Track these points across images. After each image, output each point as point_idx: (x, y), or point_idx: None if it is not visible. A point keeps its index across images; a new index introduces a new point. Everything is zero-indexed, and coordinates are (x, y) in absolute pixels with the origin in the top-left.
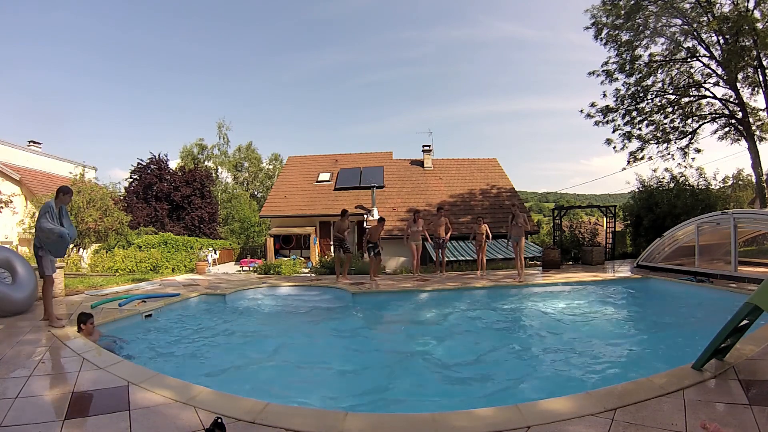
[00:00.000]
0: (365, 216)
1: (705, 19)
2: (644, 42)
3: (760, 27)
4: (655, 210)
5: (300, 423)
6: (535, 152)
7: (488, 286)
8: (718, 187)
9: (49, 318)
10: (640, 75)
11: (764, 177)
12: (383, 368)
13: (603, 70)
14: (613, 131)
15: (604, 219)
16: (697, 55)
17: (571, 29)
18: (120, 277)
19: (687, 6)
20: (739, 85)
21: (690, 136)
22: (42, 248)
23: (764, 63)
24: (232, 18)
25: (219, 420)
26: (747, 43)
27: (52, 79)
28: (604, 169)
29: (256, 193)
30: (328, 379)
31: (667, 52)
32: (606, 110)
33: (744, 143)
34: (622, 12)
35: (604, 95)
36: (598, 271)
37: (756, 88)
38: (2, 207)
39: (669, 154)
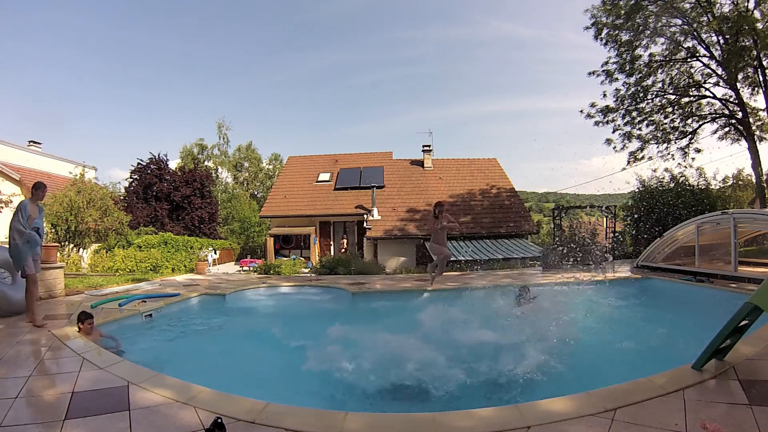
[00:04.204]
0: (365, 216)
1: (705, 19)
2: (644, 42)
3: (760, 27)
4: (655, 210)
5: (300, 423)
6: (535, 152)
7: (488, 286)
8: (718, 187)
9: (32, 318)
10: (640, 75)
11: (764, 177)
12: (383, 368)
13: (603, 70)
14: (613, 131)
15: (604, 219)
16: (697, 55)
17: (572, 29)
18: (120, 277)
19: (687, 6)
20: (739, 85)
21: (690, 136)
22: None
23: (764, 63)
24: (233, 17)
25: (219, 420)
26: (747, 43)
27: (52, 79)
28: (604, 169)
29: (256, 193)
30: (328, 378)
31: (667, 52)
32: (606, 110)
33: (744, 143)
34: (622, 12)
35: (604, 95)
36: (598, 271)
37: (756, 88)
38: (2, 207)
39: (669, 154)
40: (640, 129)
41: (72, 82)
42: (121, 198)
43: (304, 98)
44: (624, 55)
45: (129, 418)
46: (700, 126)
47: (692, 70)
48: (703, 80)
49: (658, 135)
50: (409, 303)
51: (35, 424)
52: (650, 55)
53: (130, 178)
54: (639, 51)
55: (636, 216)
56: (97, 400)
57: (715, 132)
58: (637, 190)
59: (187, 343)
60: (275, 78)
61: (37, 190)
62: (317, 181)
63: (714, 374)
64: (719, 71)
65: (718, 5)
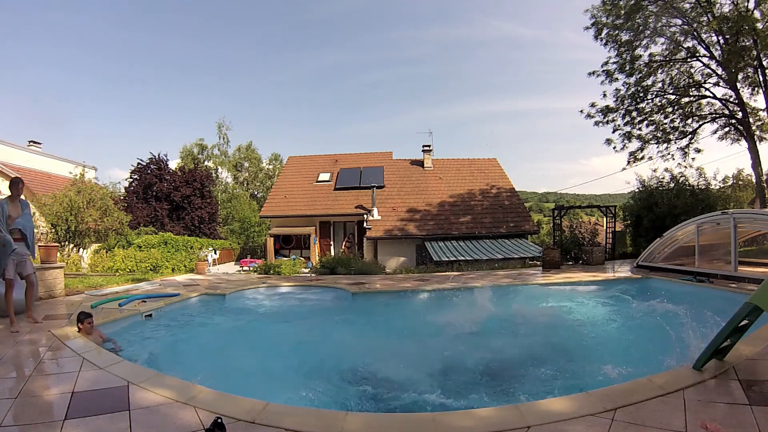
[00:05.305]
0: (365, 216)
1: (705, 19)
2: (644, 42)
3: (760, 27)
4: (655, 210)
5: (300, 423)
6: (535, 152)
7: (488, 285)
8: (718, 187)
9: (11, 321)
10: (640, 75)
11: (764, 177)
12: (383, 367)
13: (603, 70)
14: (613, 131)
15: (604, 219)
16: (697, 55)
17: (572, 29)
18: (120, 277)
19: (687, 6)
20: (739, 85)
21: (690, 136)
22: None
23: (764, 63)
24: (233, 17)
25: (219, 420)
26: (747, 43)
27: (52, 79)
28: (604, 169)
29: (256, 193)
30: (328, 378)
31: (667, 52)
32: (606, 110)
33: (744, 143)
34: (622, 12)
35: (604, 95)
36: (598, 271)
37: (756, 88)
38: None
39: (669, 154)
40: (640, 129)
41: (72, 82)
42: (121, 198)
43: (304, 98)
44: (624, 55)
45: (129, 418)
46: (700, 126)
47: (692, 70)
48: (703, 80)
49: (658, 135)
50: (408, 302)
51: (35, 424)
52: (650, 55)
53: (130, 178)
54: (639, 51)
55: (636, 216)
56: (97, 400)
57: (715, 132)
58: (637, 190)
59: (187, 343)
60: (275, 78)
61: (14, 186)
62: (317, 181)
63: (714, 374)
64: (719, 71)
65: (718, 5)
